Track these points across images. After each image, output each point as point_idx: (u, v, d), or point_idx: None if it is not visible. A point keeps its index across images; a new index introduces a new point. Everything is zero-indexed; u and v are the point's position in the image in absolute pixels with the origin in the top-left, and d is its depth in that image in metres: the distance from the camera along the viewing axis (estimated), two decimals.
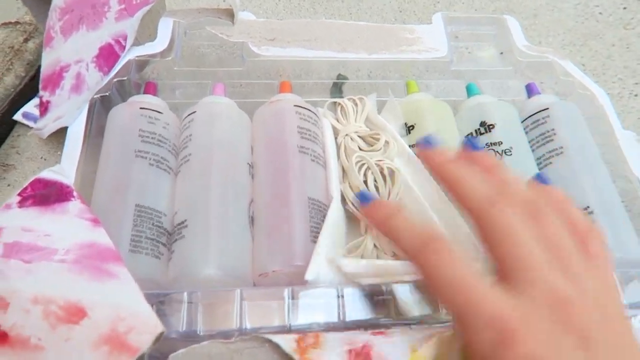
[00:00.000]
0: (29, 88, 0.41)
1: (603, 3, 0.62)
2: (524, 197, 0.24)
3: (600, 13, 0.61)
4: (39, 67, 0.35)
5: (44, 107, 0.33)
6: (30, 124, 0.40)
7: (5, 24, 0.42)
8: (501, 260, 0.22)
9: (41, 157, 0.30)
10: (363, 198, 0.31)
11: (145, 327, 0.24)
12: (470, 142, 0.28)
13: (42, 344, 0.24)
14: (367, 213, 0.30)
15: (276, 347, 0.26)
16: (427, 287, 0.27)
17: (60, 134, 0.34)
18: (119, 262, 0.26)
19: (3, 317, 0.24)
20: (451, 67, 0.41)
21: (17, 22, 0.41)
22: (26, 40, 0.41)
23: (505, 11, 0.61)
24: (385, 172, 0.34)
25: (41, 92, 0.33)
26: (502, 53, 0.45)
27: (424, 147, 0.28)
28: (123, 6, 0.35)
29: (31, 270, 0.25)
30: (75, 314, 0.24)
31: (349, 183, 0.34)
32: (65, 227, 0.27)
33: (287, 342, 0.26)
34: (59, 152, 0.34)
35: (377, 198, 0.32)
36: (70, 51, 0.33)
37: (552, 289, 0.21)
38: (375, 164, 0.34)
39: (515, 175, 0.26)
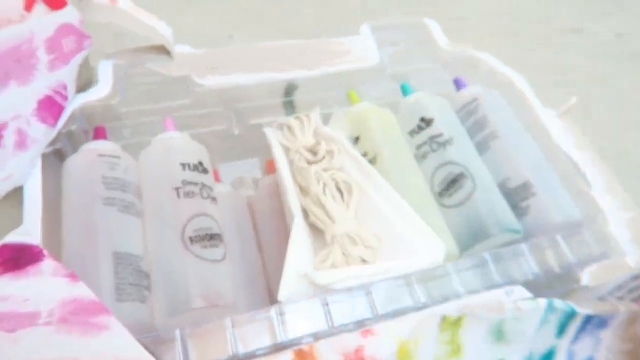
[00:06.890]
0: None
1: None
2: None
3: None
4: None
5: None
6: None
7: None
8: None
9: None
10: None
11: None
12: None
13: None
14: None
15: None
16: None
17: None
18: (106, 312, 0.26)
19: None
20: (386, 72, 0.44)
21: None
22: None
23: None
24: (341, 186, 0.35)
25: None
26: None
27: None
28: (53, 55, 0.35)
29: (17, 339, 0.25)
30: None
31: (310, 196, 0.35)
32: (43, 288, 0.27)
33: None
34: None
35: None
36: (3, 109, 0.32)
37: None
38: (331, 178, 0.35)
39: None
